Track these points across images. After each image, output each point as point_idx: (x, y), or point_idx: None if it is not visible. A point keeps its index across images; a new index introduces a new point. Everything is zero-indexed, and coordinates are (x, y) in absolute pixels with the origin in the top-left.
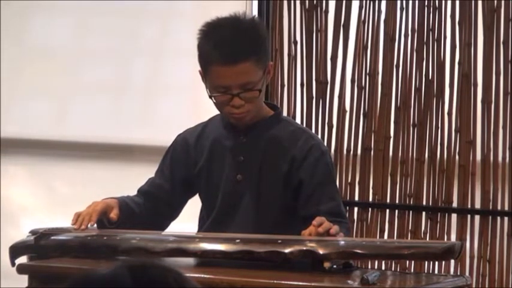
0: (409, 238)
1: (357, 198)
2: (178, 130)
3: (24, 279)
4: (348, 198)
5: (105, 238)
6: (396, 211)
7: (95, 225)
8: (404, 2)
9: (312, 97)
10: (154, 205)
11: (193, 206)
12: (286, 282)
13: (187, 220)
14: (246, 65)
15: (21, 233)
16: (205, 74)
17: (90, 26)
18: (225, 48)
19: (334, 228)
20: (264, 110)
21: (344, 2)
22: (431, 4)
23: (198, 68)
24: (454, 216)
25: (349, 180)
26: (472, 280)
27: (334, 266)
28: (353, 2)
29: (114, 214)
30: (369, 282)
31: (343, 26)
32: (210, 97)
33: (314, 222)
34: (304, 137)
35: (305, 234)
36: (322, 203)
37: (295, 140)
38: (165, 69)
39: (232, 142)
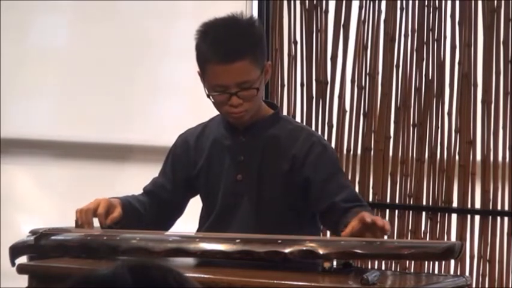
0: (409, 238)
1: None
2: (178, 130)
3: (24, 279)
4: None
5: (105, 238)
6: (396, 211)
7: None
8: (404, 2)
9: (312, 97)
10: (157, 205)
11: (194, 206)
12: (286, 282)
13: (187, 220)
14: (242, 64)
15: (21, 233)
16: (203, 74)
17: (90, 26)
18: (221, 47)
19: (381, 220)
20: (263, 109)
21: (344, 2)
22: (431, 4)
23: (198, 68)
24: (454, 216)
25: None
26: (472, 280)
27: (334, 266)
28: (353, 2)
29: (117, 213)
30: (369, 282)
31: (343, 26)
32: (208, 96)
33: (367, 219)
34: (304, 135)
35: (348, 232)
36: (336, 194)
37: (295, 138)
38: (165, 69)
39: (231, 142)
